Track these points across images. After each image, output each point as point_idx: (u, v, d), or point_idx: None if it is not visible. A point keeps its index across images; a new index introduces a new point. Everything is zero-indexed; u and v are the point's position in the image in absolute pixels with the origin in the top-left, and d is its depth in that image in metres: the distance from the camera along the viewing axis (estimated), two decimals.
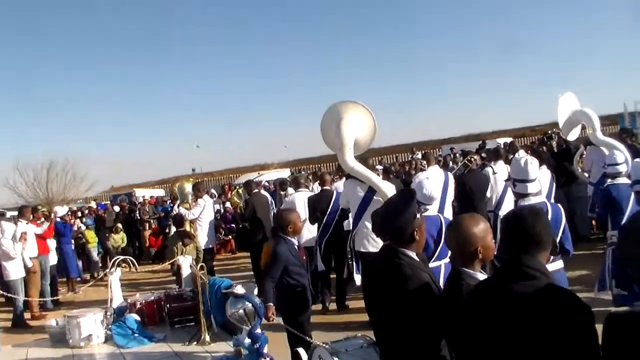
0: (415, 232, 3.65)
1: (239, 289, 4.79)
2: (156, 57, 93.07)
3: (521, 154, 6.51)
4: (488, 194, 9.91)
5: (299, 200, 10.57)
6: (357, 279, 8.39)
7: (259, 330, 4.10)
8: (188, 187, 13.52)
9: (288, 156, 54.50)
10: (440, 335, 3.49)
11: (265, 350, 4.08)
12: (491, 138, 33.14)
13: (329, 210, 9.73)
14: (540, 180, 7.79)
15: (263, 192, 13.52)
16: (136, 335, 7.44)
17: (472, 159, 11.00)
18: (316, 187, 12.26)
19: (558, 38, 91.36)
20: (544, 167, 9.54)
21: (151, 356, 6.85)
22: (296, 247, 6.23)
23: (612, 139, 10.52)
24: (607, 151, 9.59)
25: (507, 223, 3.01)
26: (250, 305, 4.01)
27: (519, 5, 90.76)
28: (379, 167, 16.76)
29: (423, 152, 16.45)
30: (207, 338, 7.02)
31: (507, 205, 9.24)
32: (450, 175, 9.60)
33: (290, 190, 13.53)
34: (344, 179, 9.62)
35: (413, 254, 3.66)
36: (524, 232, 2.89)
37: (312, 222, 9.98)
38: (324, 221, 9.74)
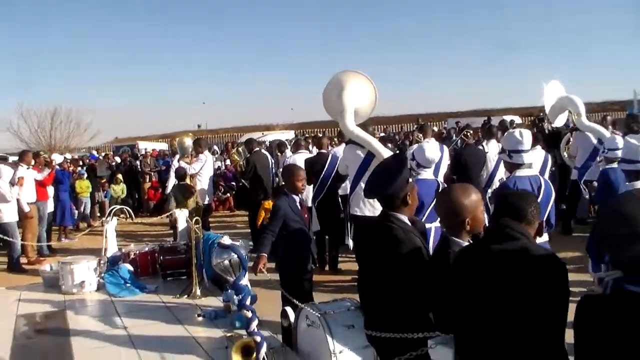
0: (408, 196, 3.69)
1: (226, 240, 4.82)
2: (166, 11, 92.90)
3: (514, 129, 6.70)
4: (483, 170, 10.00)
5: (299, 161, 10.56)
6: (350, 242, 8.53)
7: (243, 282, 4.13)
8: (188, 141, 13.57)
9: (293, 119, 54.42)
10: (425, 302, 3.52)
11: (248, 303, 4.10)
12: (498, 115, 33.01)
13: (324, 172, 9.87)
14: (533, 159, 8.07)
15: (264, 151, 13.52)
16: (128, 285, 7.49)
17: (469, 134, 11.24)
18: (315, 151, 12.31)
19: (572, 22, 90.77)
20: (538, 147, 9.66)
21: (142, 306, 6.91)
22: (298, 204, 6.25)
23: (598, 125, 10.79)
24: (593, 136, 10.01)
25: (498, 199, 3.04)
26: (235, 256, 4.04)
27: None
28: (382, 134, 16.84)
29: (420, 123, 16.30)
30: (198, 292, 7.06)
31: (498, 184, 9.30)
32: (446, 149, 9.75)
33: (288, 152, 13.59)
34: (344, 144, 9.89)
35: (405, 218, 3.70)
36: (514, 209, 2.92)
37: (307, 183, 9.96)
38: (318, 183, 9.89)
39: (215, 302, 6.81)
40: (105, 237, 8.63)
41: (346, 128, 7.67)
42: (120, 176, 19.04)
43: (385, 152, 7.80)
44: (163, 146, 30.88)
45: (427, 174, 6.26)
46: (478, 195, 3.44)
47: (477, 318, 2.85)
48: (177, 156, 13.66)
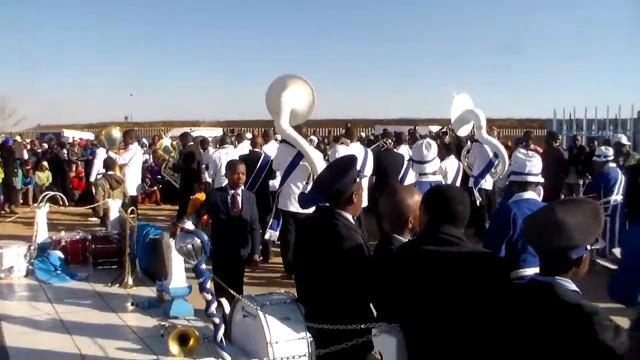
0: (354, 195, 3.86)
1: (189, 225, 4.93)
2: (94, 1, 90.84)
3: (421, 140, 7.30)
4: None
5: (223, 157, 10.98)
6: (273, 234, 9.39)
7: (203, 266, 4.25)
8: (115, 133, 13.52)
9: (220, 116, 54.36)
10: (365, 296, 3.72)
11: (208, 286, 4.24)
12: (423, 124, 33.97)
13: (256, 170, 10.21)
14: (448, 168, 9.40)
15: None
16: (58, 272, 7.43)
17: (387, 142, 12.00)
18: (241, 147, 12.71)
19: (500, 37, 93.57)
20: (452, 156, 10.42)
21: (72, 293, 6.89)
22: (229, 198, 6.44)
23: (494, 139, 11.71)
24: (490, 148, 10.91)
25: (434, 198, 3.26)
26: (198, 241, 4.15)
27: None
28: (313, 137, 17.24)
29: (347, 127, 16.94)
30: (130, 281, 7.10)
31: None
32: (370, 152, 10.54)
33: (211, 149, 13.84)
34: (273, 142, 10.99)
35: (349, 216, 3.87)
36: (446, 208, 3.16)
37: None
38: (250, 180, 10.05)
39: (147, 292, 6.87)
40: (36, 222, 8.53)
41: (280, 128, 8.19)
42: (45, 163, 18.64)
43: (314, 154, 8.43)
44: (89, 136, 30.26)
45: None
46: (420, 195, 3.68)
47: (414, 310, 3.09)
48: (106, 148, 13.56)
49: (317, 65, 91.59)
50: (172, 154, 14.01)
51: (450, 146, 11.67)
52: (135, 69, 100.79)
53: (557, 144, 13.51)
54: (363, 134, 24.37)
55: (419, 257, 3.10)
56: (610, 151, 10.14)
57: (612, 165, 9.83)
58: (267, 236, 9.42)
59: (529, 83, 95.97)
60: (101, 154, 15.20)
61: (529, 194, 4.96)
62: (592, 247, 2.64)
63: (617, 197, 9.69)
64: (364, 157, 9.94)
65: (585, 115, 20.05)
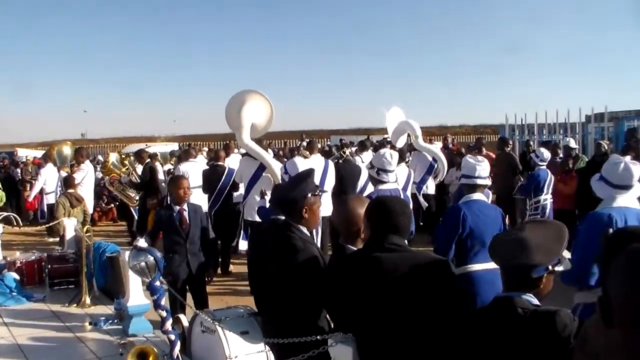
0: (305, 211, 3.88)
1: (142, 243, 4.94)
2: (45, 16, 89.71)
3: (385, 149, 7.55)
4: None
5: (190, 170, 10.82)
6: (242, 244, 9.51)
7: (157, 283, 4.26)
8: (66, 150, 13.39)
9: (176, 131, 54.08)
10: (321, 307, 3.78)
11: (163, 303, 4.26)
12: (378, 134, 34.22)
13: (220, 183, 10.20)
14: (399, 176, 9.11)
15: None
16: (14, 294, 7.36)
17: (345, 153, 12.60)
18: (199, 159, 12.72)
19: (453, 46, 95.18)
20: (403, 164, 10.60)
21: (29, 315, 6.83)
22: (175, 214, 6.41)
23: (432, 145, 12.45)
24: (429, 155, 11.36)
25: (377, 211, 3.34)
26: (152, 258, 4.16)
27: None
28: (269, 150, 17.37)
29: (307, 140, 17.18)
30: (88, 300, 7.06)
31: (369, 191, 10.06)
32: (331, 163, 10.58)
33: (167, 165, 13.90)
34: (235, 155, 11.08)
35: (304, 229, 3.92)
36: (388, 221, 3.23)
37: (205, 192, 10.39)
38: (215, 193, 10.19)
39: (105, 310, 6.85)
40: None
41: (242, 142, 8.40)
42: None
43: (276, 165, 8.53)
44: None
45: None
46: None
47: (365, 317, 3.16)
48: (56, 164, 13.41)
49: (270, 77, 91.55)
50: (124, 170, 13.88)
51: (401, 153, 11.68)
52: (88, 85, 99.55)
53: (509, 149, 13.85)
54: (319, 145, 24.49)
55: (365, 264, 3.18)
56: (546, 154, 10.55)
57: (542, 167, 10.19)
58: (240, 247, 9.63)
59: (483, 90, 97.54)
60: (45, 173, 15.04)
61: (478, 195, 5.24)
62: (555, 269, 2.73)
63: (546, 196, 10.17)
64: (323, 170, 10.01)
65: (536, 120, 20.41)
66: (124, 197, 13.23)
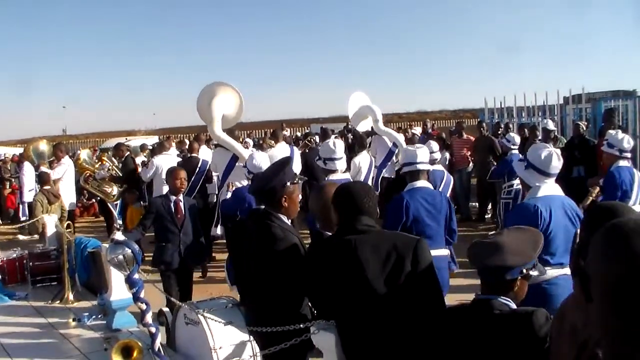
0: (284, 199, 3.89)
1: (119, 236, 4.93)
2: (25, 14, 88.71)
3: (330, 139, 8.00)
4: None
5: (164, 163, 10.87)
6: (218, 231, 9.62)
7: (136, 276, 4.25)
8: (42, 146, 13.27)
9: (156, 124, 54.00)
10: (303, 295, 3.80)
11: (142, 295, 4.25)
12: None
13: (195, 175, 10.34)
14: (362, 164, 10.33)
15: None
16: None
17: (311, 139, 13.13)
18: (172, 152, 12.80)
19: (431, 30, 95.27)
20: (364, 152, 11.12)
21: (12, 312, 6.80)
22: (172, 204, 6.50)
23: (391, 129, 12.74)
24: (389, 140, 11.52)
25: (342, 196, 3.37)
26: (129, 251, 4.15)
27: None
28: (248, 139, 17.42)
29: (271, 130, 17.29)
30: (71, 297, 7.04)
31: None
32: (296, 150, 11.36)
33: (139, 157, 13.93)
34: (205, 148, 11.62)
35: (285, 218, 3.93)
36: (354, 205, 3.28)
37: None
38: (189, 184, 10.13)
39: (88, 305, 6.83)
40: None
41: (214, 134, 8.66)
42: None
43: (247, 155, 8.58)
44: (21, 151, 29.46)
45: None
46: None
47: (346, 302, 3.18)
48: (34, 162, 13.31)
49: (247, 68, 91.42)
50: (97, 166, 13.81)
51: (363, 141, 12.17)
52: (67, 80, 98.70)
53: (488, 132, 14.00)
54: (299, 133, 24.63)
55: (340, 248, 3.21)
56: (517, 139, 10.68)
57: (515, 151, 10.24)
58: (217, 231, 9.78)
59: (462, 75, 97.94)
60: (28, 169, 14.92)
61: (421, 183, 5.37)
62: (529, 273, 2.85)
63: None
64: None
65: (514, 103, 20.50)
66: (100, 194, 13.14)
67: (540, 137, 11.84)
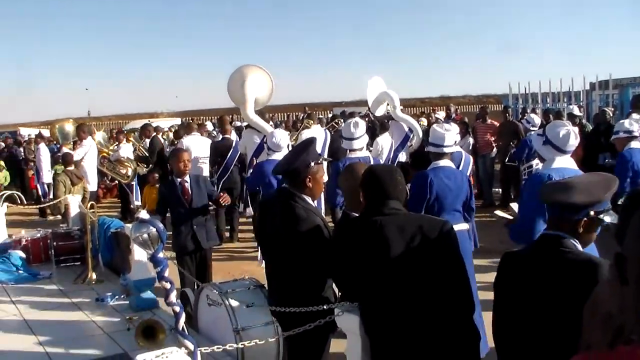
0: (308, 179, 3.88)
1: (144, 214, 4.92)
2: None
3: (350, 119, 8.58)
4: None
5: (193, 144, 11.31)
6: (248, 210, 10.52)
7: (161, 255, 4.24)
8: (68, 127, 13.37)
9: (177, 106, 54.26)
10: (326, 276, 3.77)
11: (166, 274, 4.24)
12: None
13: (229, 156, 10.82)
14: (383, 145, 10.85)
15: (159, 137, 13.87)
16: (20, 272, 7.37)
17: (338, 122, 13.43)
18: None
19: (455, 18, 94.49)
20: (386, 134, 11.43)
21: (36, 292, 6.83)
22: (178, 187, 6.46)
23: (407, 116, 13.06)
24: (405, 125, 11.79)
25: (369, 179, 3.33)
26: (154, 230, 4.13)
27: None
28: (271, 123, 17.71)
29: (307, 112, 17.45)
30: (94, 277, 7.07)
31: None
32: (329, 134, 11.65)
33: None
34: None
35: (309, 199, 3.91)
36: (381, 188, 3.25)
37: (211, 164, 11.22)
38: (224, 164, 10.84)
39: (111, 286, 6.84)
40: None
41: (246, 116, 8.86)
42: (2, 162, 18.27)
43: None
44: (46, 133, 29.72)
45: (276, 155, 7.35)
46: None
47: (372, 283, 3.15)
48: (42, 144, 13.49)
49: (272, 49, 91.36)
50: (111, 148, 13.92)
51: (385, 124, 12.22)
52: (91, 62, 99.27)
53: (512, 117, 13.89)
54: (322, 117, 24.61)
55: (367, 229, 3.18)
56: (537, 120, 10.61)
57: (534, 132, 10.16)
58: (247, 213, 10.55)
59: (486, 60, 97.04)
60: (44, 150, 15.02)
61: (444, 162, 5.58)
62: (599, 216, 2.74)
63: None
64: (324, 139, 10.90)
65: (539, 89, 20.34)
66: (116, 175, 13.25)
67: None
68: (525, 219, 4.35)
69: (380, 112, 12.76)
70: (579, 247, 2.71)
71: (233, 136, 11.35)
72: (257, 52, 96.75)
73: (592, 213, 2.71)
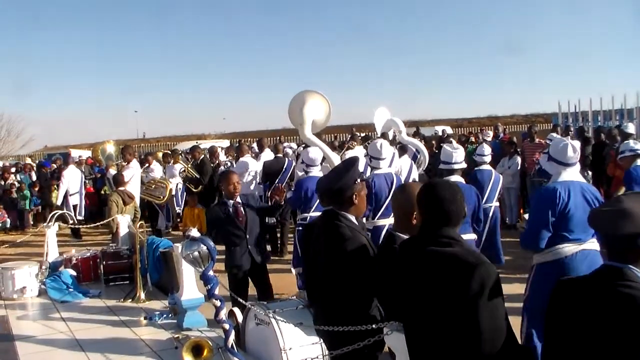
0: (355, 197, 3.85)
1: (194, 232, 4.94)
2: (100, 22, 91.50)
3: (378, 140, 8.91)
4: None
5: (241, 164, 11.99)
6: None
7: (211, 273, 4.24)
8: (109, 147, 13.62)
9: (225, 128, 54.91)
10: (372, 296, 3.71)
11: (216, 292, 4.24)
12: (429, 125, 34.40)
13: (281, 174, 11.58)
14: (402, 166, 10.94)
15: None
16: (71, 290, 7.46)
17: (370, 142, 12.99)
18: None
19: (502, 35, 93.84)
20: (405, 156, 11.71)
21: (85, 310, 6.91)
22: (231, 209, 6.46)
23: (413, 139, 13.97)
24: (412, 147, 12.36)
25: (428, 198, 3.19)
26: (204, 247, 4.15)
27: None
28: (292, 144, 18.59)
29: (354, 133, 17.82)
30: (142, 296, 7.13)
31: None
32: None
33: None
34: (268, 151, 13.02)
35: (352, 218, 3.88)
36: (439, 209, 3.09)
37: (263, 182, 11.86)
38: (276, 182, 11.35)
39: (159, 305, 6.90)
40: (47, 241, 8.57)
41: (304, 136, 9.02)
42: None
43: (334, 157, 9.13)
44: (82, 153, 30.31)
45: (314, 171, 8.62)
46: None
47: (414, 309, 3.06)
48: (70, 166, 13.82)
49: (318, 75, 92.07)
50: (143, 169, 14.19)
51: (405, 147, 12.60)
52: (139, 85, 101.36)
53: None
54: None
55: (419, 257, 3.05)
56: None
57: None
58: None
59: (534, 80, 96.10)
60: (67, 174, 15.22)
61: (455, 177, 6.32)
62: None
63: None
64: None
65: (590, 107, 19.98)
66: (147, 196, 13.42)
67: (619, 141, 11.43)
68: (532, 229, 4.80)
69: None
70: None
71: (263, 158, 12.08)
72: (303, 76, 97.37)
73: None
